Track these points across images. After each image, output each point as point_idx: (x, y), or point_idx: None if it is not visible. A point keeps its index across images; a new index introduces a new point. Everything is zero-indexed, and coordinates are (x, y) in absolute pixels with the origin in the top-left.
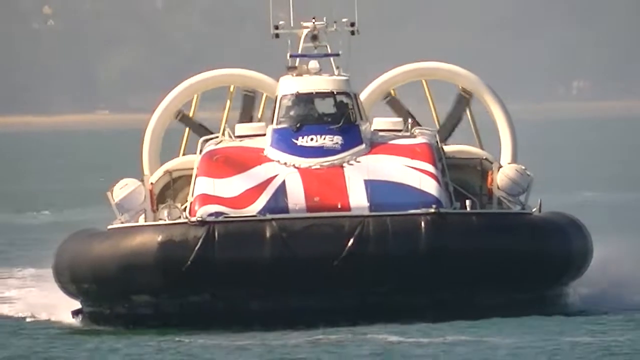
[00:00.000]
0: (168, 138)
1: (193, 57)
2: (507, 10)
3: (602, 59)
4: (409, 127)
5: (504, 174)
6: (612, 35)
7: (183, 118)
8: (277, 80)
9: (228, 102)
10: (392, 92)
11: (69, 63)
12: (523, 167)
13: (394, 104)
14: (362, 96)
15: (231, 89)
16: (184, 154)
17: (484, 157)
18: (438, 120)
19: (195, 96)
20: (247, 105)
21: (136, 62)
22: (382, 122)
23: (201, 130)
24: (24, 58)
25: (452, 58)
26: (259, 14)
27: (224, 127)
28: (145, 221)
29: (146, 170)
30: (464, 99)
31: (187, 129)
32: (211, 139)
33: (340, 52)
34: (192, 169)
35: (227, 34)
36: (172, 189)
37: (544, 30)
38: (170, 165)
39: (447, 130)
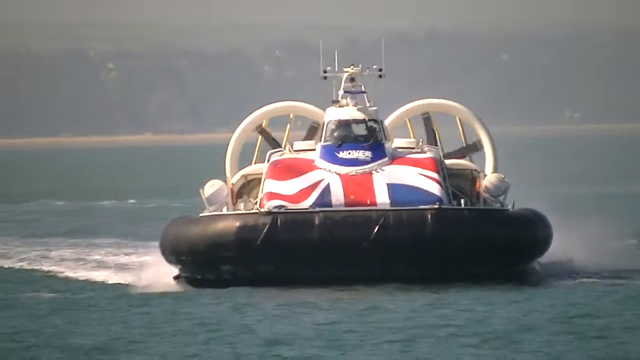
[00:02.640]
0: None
1: (208, 96)
2: (414, 71)
3: (487, 101)
4: (420, 145)
5: (488, 180)
6: (490, 83)
7: (262, 131)
8: (324, 110)
9: (288, 125)
10: (407, 121)
11: (125, 101)
12: (502, 176)
13: (427, 121)
14: (387, 121)
15: (291, 116)
16: (255, 163)
17: (474, 169)
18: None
19: (265, 121)
20: (311, 132)
21: (170, 100)
22: (400, 141)
23: (274, 142)
24: (93, 99)
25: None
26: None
27: (285, 143)
28: (227, 211)
29: (228, 174)
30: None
31: (258, 145)
32: (276, 152)
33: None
34: (262, 173)
35: (231, 80)
36: (247, 188)
37: (442, 82)
38: (246, 170)
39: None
